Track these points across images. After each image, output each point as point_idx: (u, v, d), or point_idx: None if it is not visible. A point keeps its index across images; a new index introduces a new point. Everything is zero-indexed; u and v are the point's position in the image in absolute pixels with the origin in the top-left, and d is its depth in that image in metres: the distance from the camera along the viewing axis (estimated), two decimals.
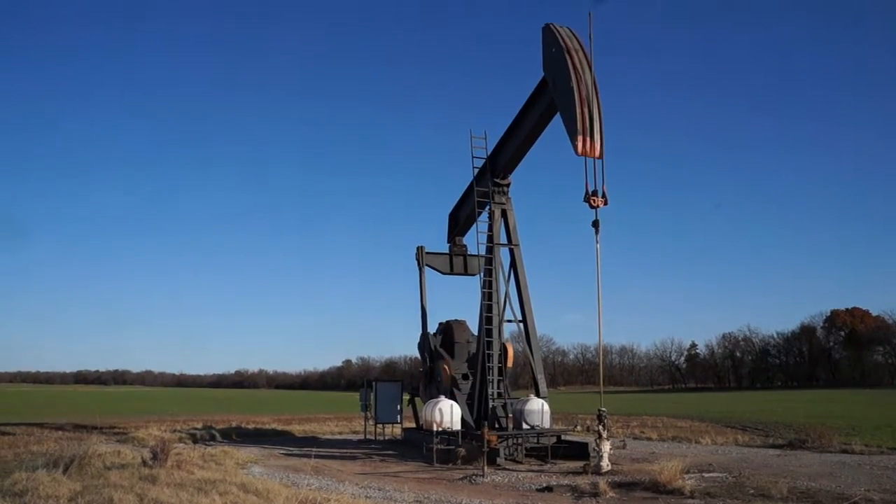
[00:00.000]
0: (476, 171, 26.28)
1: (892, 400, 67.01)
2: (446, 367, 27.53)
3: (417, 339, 30.20)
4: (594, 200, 19.20)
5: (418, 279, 30.24)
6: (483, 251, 25.78)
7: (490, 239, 25.53)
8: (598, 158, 19.70)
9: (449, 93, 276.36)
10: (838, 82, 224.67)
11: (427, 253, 30.25)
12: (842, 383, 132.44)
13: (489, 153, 26.04)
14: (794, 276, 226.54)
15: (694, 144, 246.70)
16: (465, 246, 30.08)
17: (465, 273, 29.93)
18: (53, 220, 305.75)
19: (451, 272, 30.02)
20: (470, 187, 27.00)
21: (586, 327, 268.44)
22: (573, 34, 21.51)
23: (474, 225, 26.52)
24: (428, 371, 29.21)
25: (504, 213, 26.01)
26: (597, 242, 19.32)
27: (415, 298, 30.33)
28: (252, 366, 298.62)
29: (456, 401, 24.56)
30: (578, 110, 19.99)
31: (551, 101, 21.98)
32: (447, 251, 30.33)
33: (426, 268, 30.21)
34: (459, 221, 29.56)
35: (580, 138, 19.80)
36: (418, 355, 30.58)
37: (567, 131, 20.38)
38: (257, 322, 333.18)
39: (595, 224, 19.45)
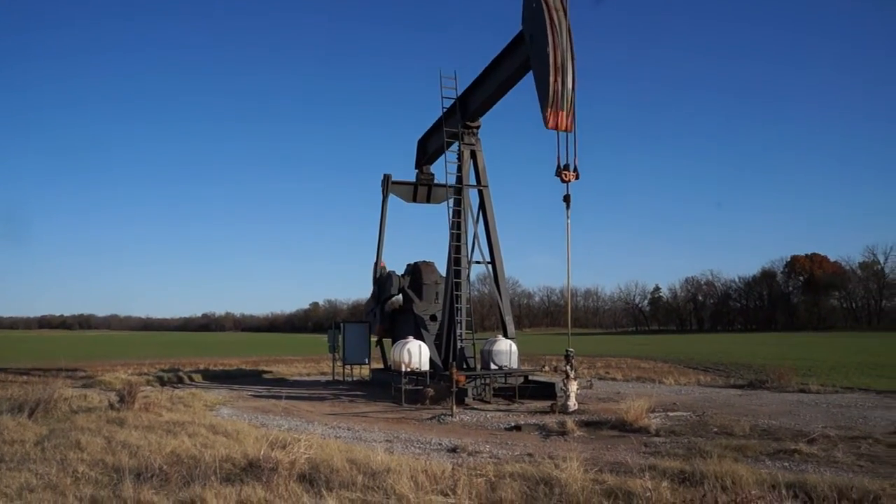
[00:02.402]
0: (445, 111, 25.92)
1: (845, 343, 68.91)
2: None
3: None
4: (566, 175, 18.99)
5: (381, 207, 30.35)
6: (452, 192, 25.56)
7: (459, 180, 25.32)
8: (569, 132, 19.36)
9: (421, 26, 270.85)
10: (796, 25, 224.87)
11: (393, 182, 30.20)
12: (799, 327, 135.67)
13: (460, 95, 25.63)
14: (756, 221, 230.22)
15: (660, 84, 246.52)
16: (432, 174, 29.85)
17: (429, 201, 29.90)
18: (18, 155, 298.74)
19: (415, 200, 30.02)
20: (438, 122, 26.63)
21: (552, 269, 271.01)
22: None
23: (442, 156, 26.35)
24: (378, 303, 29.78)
25: (473, 154, 25.77)
26: (567, 218, 19.26)
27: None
28: (219, 309, 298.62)
29: (424, 341, 24.63)
30: (552, 79, 19.41)
31: (527, 57, 21.31)
32: (414, 180, 30.15)
33: (390, 196, 30.33)
34: (428, 151, 29.21)
35: (550, 111, 19.37)
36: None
37: (539, 98, 19.83)
38: (223, 265, 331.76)
39: (566, 199, 19.30)
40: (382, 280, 30.10)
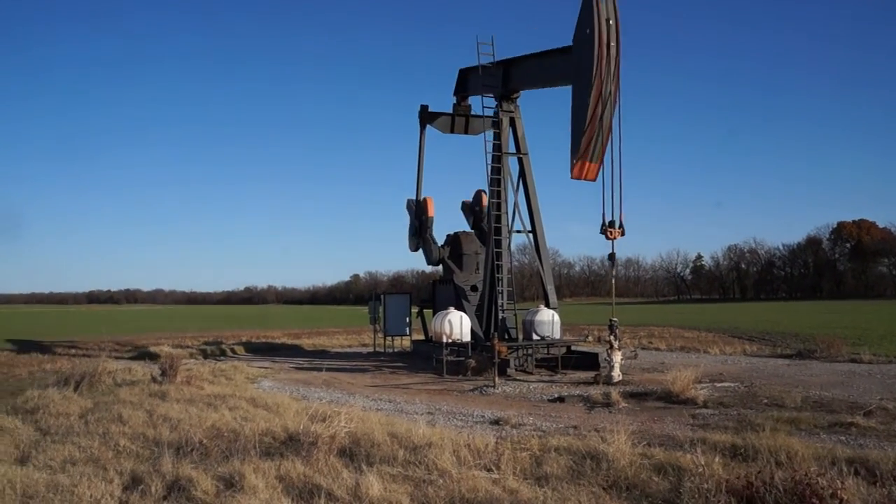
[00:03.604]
0: (484, 79, 25.36)
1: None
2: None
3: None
4: (611, 233, 18.82)
5: (418, 139, 30.02)
6: (490, 160, 25.11)
7: (498, 148, 24.87)
8: (592, 181, 19.19)
9: None
10: None
11: (430, 112, 29.68)
12: (845, 295, 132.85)
13: (504, 61, 24.90)
14: (801, 188, 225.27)
15: (700, 55, 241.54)
16: (469, 106, 29.28)
17: (467, 132, 29.25)
18: (64, 137, 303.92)
19: (452, 131, 29.39)
20: (481, 71, 26.00)
21: (592, 239, 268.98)
22: (615, 16, 19.19)
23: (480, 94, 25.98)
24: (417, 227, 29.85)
25: (513, 122, 25.25)
26: (612, 277, 19.73)
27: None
28: (261, 282, 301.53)
29: (465, 312, 24.42)
30: (587, 130, 18.99)
31: (570, 75, 20.55)
32: (451, 111, 29.59)
33: (428, 128, 29.91)
34: (467, 88, 28.51)
35: (577, 162, 19.11)
36: (427, 268, 30.49)
37: (571, 138, 19.47)
38: (266, 238, 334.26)
39: (612, 257, 19.43)
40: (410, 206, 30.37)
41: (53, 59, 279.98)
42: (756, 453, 9.27)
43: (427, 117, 29.59)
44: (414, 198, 30.19)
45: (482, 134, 26.08)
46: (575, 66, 19.98)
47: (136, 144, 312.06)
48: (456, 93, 28.72)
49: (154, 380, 18.01)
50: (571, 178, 19.23)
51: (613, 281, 20.63)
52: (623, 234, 18.96)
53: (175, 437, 11.05)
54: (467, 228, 29.49)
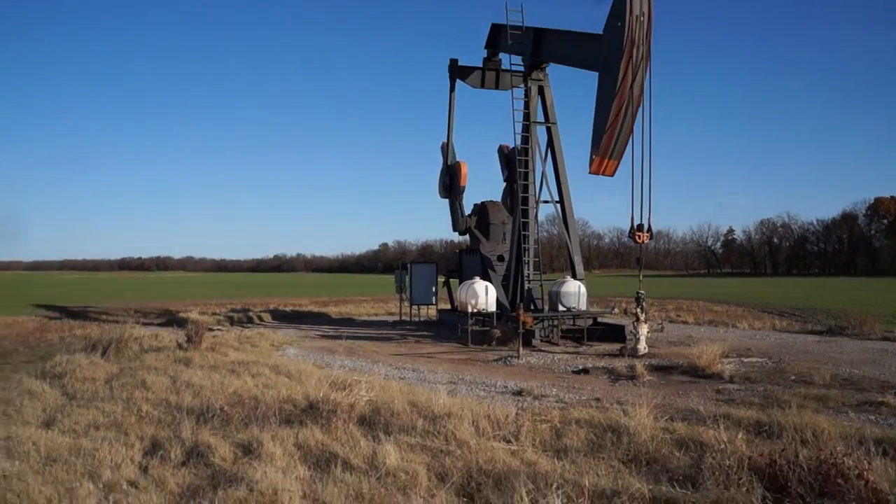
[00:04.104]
0: (514, 43, 25.00)
1: None
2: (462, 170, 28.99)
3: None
4: (639, 236, 18.56)
5: (448, 95, 29.82)
6: (518, 129, 24.80)
7: (526, 117, 24.58)
8: (610, 176, 19.02)
9: None
10: None
11: (460, 66, 29.26)
12: (881, 272, 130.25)
13: (532, 33, 24.53)
14: (837, 162, 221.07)
15: (737, 24, 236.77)
16: (499, 60, 28.84)
17: (497, 87, 28.80)
18: (94, 103, 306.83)
19: (483, 86, 28.92)
20: (506, 41, 25.67)
21: (622, 211, 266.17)
22: (649, 10, 18.40)
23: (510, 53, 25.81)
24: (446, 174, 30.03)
25: (541, 91, 24.91)
26: (640, 291, 18.90)
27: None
28: (290, 250, 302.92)
29: (491, 282, 24.32)
30: (609, 126, 18.54)
31: (598, 65, 19.84)
32: (481, 65, 29.05)
33: (458, 84, 29.54)
34: (498, 45, 28.06)
35: (597, 157, 18.77)
36: (454, 237, 30.43)
37: (592, 132, 19.11)
38: (295, 206, 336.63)
39: (639, 262, 19.44)
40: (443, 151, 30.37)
41: None
42: (781, 431, 9.11)
43: (457, 72, 29.20)
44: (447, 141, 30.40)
45: (511, 92, 25.59)
46: (603, 57, 19.42)
47: (169, 111, 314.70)
48: (487, 45, 28.22)
49: (179, 346, 18.16)
50: (589, 172, 19.06)
51: (641, 271, 20.22)
52: (651, 237, 18.93)
53: (197, 403, 11.13)
54: (500, 177, 28.99)
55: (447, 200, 30.48)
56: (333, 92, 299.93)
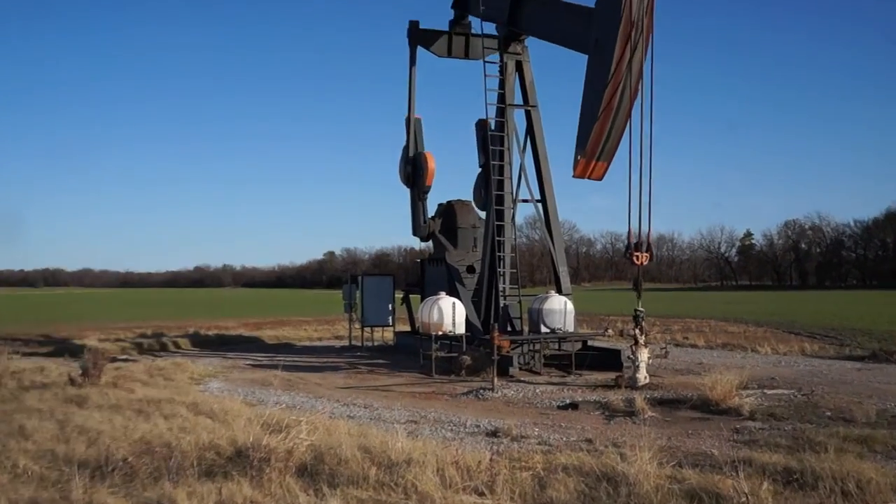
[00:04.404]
0: (486, 6, 24.94)
1: None
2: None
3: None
4: (637, 257, 18.77)
5: (408, 64, 29.68)
6: (492, 112, 24.78)
7: (501, 98, 24.60)
8: (598, 181, 19.14)
9: None
10: None
11: (422, 30, 28.99)
12: None
13: (509, 1, 24.43)
14: (876, 153, 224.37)
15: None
16: (469, 23, 28.56)
17: (466, 57, 28.55)
18: None
19: (450, 54, 28.61)
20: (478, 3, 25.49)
21: (616, 212, 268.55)
22: None
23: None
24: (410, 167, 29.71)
25: (519, 66, 25.01)
26: (639, 309, 18.87)
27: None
28: (214, 261, 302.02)
29: (460, 298, 24.29)
30: (597, 124, 18.61)
31: (587, 45, 19.89)
32: (447, 30, 28.87)
33: (420, 52, 29.46)
34: (469, 4, 27.47)
35: (583, 160, 18.85)
36: (414, 244, 30.40)
37: (578, 128, 19.19)
38: (220, 210, 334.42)
39: (637, 286, 19.48)
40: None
41: None
42: (816, 480, 9.09)
43: (418, 37, 29.06)
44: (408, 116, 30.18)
45: (482, 62, 25.42)
46: (594, 38, 19.38)
47: (63, 102, 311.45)
48: (455, 5, 28.17)
49: (72, 382, 17.87)
50: (574, 176, 19.10)
51: (640, 292, 20.25)
52: (651, 258, 19.23)
53: (93, 453, 10.87)
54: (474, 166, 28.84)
55: (409, 194, 30.31)
56: (266, 74, 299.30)
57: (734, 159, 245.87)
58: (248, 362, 26.07)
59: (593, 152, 18.79)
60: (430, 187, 29.15)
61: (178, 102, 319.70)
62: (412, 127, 29.89)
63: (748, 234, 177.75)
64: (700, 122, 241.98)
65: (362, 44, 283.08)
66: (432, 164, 29.10)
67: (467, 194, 28.41)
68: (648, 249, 18.96)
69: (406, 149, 30.14)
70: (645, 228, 18.69)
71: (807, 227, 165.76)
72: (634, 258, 18.85)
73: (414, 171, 29.64)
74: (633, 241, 18.82)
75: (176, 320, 51.96)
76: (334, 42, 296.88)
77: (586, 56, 19.63)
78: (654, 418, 15.06)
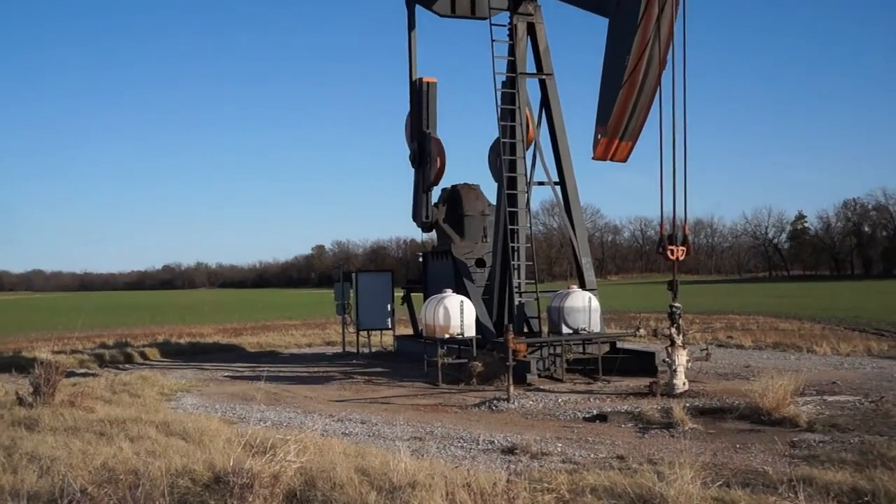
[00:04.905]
0: None
1: None
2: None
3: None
4: (671, 252, 18.54)
5: (407, 24, 29.58)
6: (501, 82, 24.72)
7: (512, 67, 24.52)
8: (622, 162, 19.25)
9: None
10: None
11: None
12: None
13: None
14: None
15: None
16: None
17: (473, 16, 28.16)
18: None
19: (454, 13, 28.08)
20: None
21: (646, 192, 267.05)
22: None
23: None
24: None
25: (532, 29, 24.95)
26: (675, 304, 18.63)
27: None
28: (186, 258, 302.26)
29: (468, 296, 24.27)
30: (620, 96, 18.59)
31: (608, 6, 19.97)
32: None
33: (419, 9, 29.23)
34: None
35: (605, 140, 18.94)
36: (416, 235, 30.35)
37: (598, 102, 19.17)
38: (192, 200, 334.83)
39: (672, 286, 18.95)
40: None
41: None
42: (891, 502, 9.08)
43: None
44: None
45: (489, 23, 25.26)
46: (612, 11, 19.51)
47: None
48: None
49: (20, 401, 17.86)
50: (594, 158, 19.17)
51: (676, 288, 20.10)
52: (689, 253, 18.87)
53: (45, 484, 10.84)
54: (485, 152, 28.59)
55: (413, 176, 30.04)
56: (235, 56, 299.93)
57: (782, 129, 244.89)
58: (226, 374, 26.22)
59: (616, 130, 18.75)
60: (436, 184, 28.94)
61: (142, 91, 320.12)
62: (425, 95, 28.99)
63: (800, 217, 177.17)
64: (740, 86, 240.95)
65: (346, 19, 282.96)
66: (443, 159, 28.68)
67: (475, 177, 28.42)
68: (685, 242, 18.76)
69: (410, 118, 29.91)
70: (680, 216, 18.58)
71: (870, 206, 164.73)
72: (668, 253, 18.69)
73: (420, 154, 29.21)
74: (667, 232, 18.68)
75: (143, 327, 52.21)
76: (313, 19, 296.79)
77: (606, 20, 19.58)
78: (696, 430, 15.04)
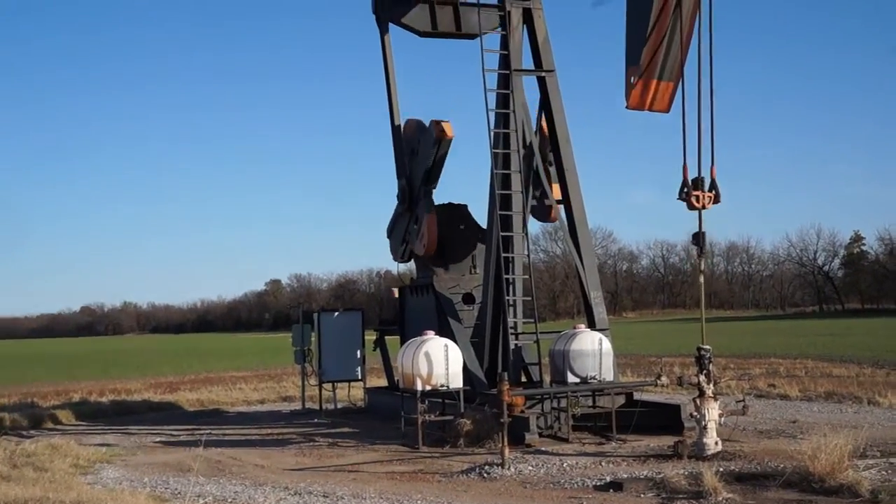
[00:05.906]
0: None
1: None
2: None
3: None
4: (697, 198, 18.55)
5: (380, 44, 29.66)
6: (492, 82, 24.90)
7: (505, 62, 24.66)
8: (663, 112, 19.27)
9: None
10: None
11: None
12: None
13: None
14: None
15: None
16: None
17: (457, 33, 28.34)
18: None
19: (435, 30, 28.33)
20: None
21: (667, 213, 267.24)
22: None
23: None
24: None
25: (528, 17, 25.14)
26: (700, 268, 19.11)
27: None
28: (110, 298, 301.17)
29: (454, 339, 24.29)
30: (653, 30, 18.84)
31: None
32: None
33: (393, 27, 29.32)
34: None
35: (640, 82, 19.03)
36: (391, 266, 30.38)
37: (626, 42, 19.40)
38: (118, 231, 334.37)
39: (698, 239, 19.09)
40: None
41: None
42: None
43: (387, 7, 29.06)
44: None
45: (484, 36, 25.57)
46: None
47: None
48: None
49: None
50: (627, 107, 19.12)
51: (702, 279, 20.15)
52: (717, 199, 18.84)
53: None
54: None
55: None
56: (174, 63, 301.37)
57: (834, 134, 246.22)
58: (158, 439, 26.11)
59: (653, 69, 18.83)
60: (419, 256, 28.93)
61: (65, 97, 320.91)
62: (435, 146, 27.94)
63: (857, 239, 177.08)
64: (781, 86, 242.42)
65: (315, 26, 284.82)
66: (433, 238, 27.90)
67: (462, 195, 28.59)
68: (713, 188, 18.72)
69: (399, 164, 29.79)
70: (708, 157, 18.68)
71: None
72: (693, 200, 18.61)
73: (410, 214, 29.15)
74: (691, 177, 18.68)
75: (54, 383, 51.98)
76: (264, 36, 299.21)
77: None
78: (732, 501, 15.06)
